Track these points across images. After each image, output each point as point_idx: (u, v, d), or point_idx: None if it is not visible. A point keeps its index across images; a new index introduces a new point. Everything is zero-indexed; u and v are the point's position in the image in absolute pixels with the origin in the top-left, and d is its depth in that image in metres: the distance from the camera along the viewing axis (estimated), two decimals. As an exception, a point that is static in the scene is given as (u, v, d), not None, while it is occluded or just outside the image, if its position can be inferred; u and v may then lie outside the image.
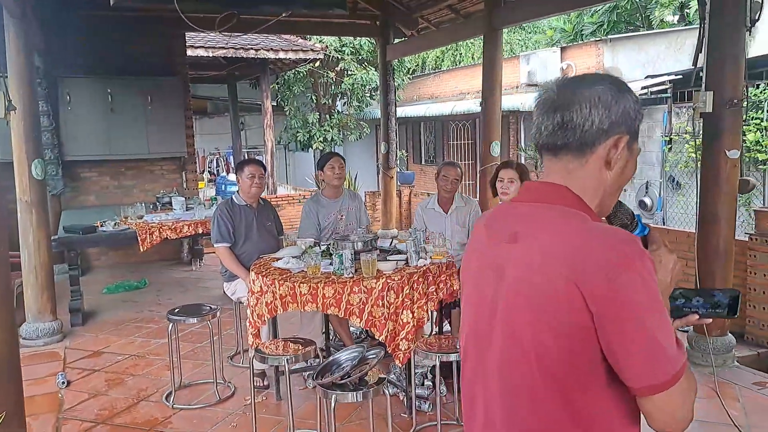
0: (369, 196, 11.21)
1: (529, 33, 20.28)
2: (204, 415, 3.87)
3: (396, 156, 9.69)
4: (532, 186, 1.25)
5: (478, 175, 12.07)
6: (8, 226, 2.84)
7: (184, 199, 6.87)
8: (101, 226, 5.96)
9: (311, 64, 13.14)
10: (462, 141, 15.42)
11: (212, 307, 4.19)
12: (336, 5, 5.59)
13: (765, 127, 8.51)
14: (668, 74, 9.05)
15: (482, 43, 7.09)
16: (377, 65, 14.22)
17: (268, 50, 10.95)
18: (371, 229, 5.07)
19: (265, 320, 3.76)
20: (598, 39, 12.33)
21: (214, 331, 4.12)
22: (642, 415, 1.14)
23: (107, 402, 4.09)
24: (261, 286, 3.70)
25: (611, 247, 1.06)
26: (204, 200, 7.37)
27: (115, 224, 5.98)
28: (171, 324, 4.02)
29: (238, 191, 4.65)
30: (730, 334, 4.47)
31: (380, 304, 3.42)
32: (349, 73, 14.71)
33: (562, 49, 12.56)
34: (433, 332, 4.63)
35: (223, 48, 10.46)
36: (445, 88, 16.38)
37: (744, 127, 7.18)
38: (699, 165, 4.41)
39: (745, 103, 5.10)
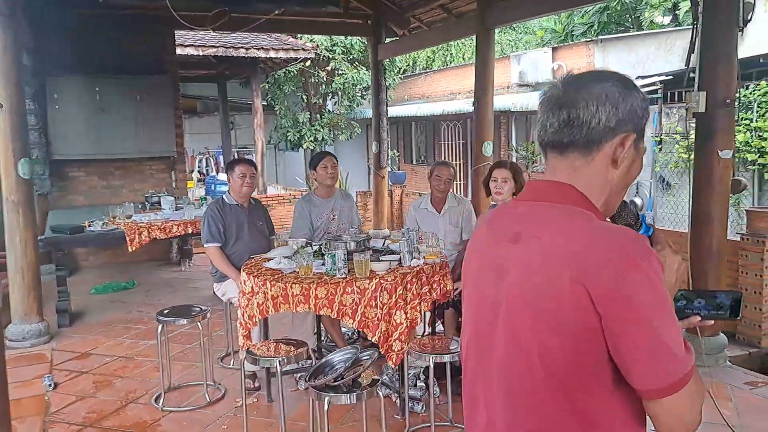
0: (360, 195, 11.17)
1: (520, 33, 20.33)
2: (194, 418, 3.81)
3: (387, 156, 9.66)
4: (536, 185, 1.22)
5: (469, 175, 12.09)
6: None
7: (173, 198, 6.79)
8: (89, 226, 5.88)
9: (302, 64, 13.09)
10: (453, 141, 15.42)
11: (202, 308, 4.14)
12: (329, 2, 5.55)
13: (754, 127, 8.56)
14: (658, 75, 9.08)
15: (474, 43, 7.08)
16: (368, 65, 14.23)
17: (258, 49, 10.89)
18: (362, 229, 5.03)
19: (256, 321, 3.71)
20: (589, 39, 12.37)
21: (204, 332, 4.06)
22: (648, 418, 1.11)
23: (95, 404, 4.02)
24: (252, 287, 3.65)
25: (618, 247, 1.04)
26: (193, 200, 7.31)
27: (103, 224, 5.91)
28: (160, 325, 3.97)
29: (229, 191, 4.60)
30: (722, 334, 4.48)
31: (373, 305, 3.39)
32: (340, 72, 14.67)
33: (554, 49, 12.58)
34: (426, 333, 4.60)
35: (213, 47, 10.39)
36: (436, 88, 16.38)
37: (734, 127, 7.19)
38: (690, 165, 4.42)
39: (737, 103, 5.10)
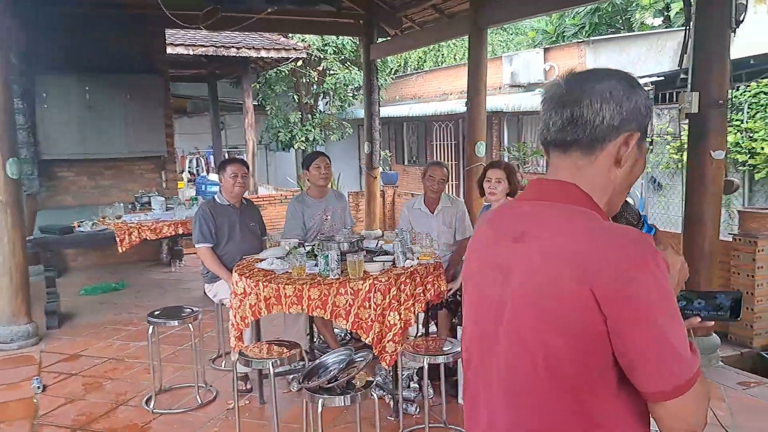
0: (352, 196, 11.14)
1: (511, 34, 20.36)
2: (185, 420, 3.77)
3: (379, 156, 9.64)
4: (538, 184, 1.20)
5: (461, 175, 12.09)
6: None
7: (163, 199, 6.74)
8: (78, 226, 5.82)
9: (293, 63, 13.04)
10: (445, 141, 15.41)
11: (193, 309, 4.09)
12: (324, 0, 5.51)
13: (745, 128, 8.60)
14: (649, 76, 9.11)
15: (466, 44, 7.08)
16: (360, 65, 14.20)
17: (249, 48, 10.84)
18: (354, 229, 5.00)
19: (248, 323, 3.67)
20: (580, 40, 12.41)
21: (195, 333, 4.02)
22: (652, 420, 1.10)
23: (85, 407, 3.97)
24: (244, 288, 3.61)
25: (624, 247, 1.02)
26: (184, 200, 7.25)
27: (92, 224, 5.85)
28: (151, 327, 3.92)
29: (220, 191, 4.56)
30: (714, 335, 4.49)
31: (367, 306, 3.36)
32: (332, 72, 14.63)
33: (545, 50, 12.61)
34: (419, 334, 4.58)
35: (203, 46, 10.32)
36: (428, 89, 16.37)
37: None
38: (681, 166, 4.43)
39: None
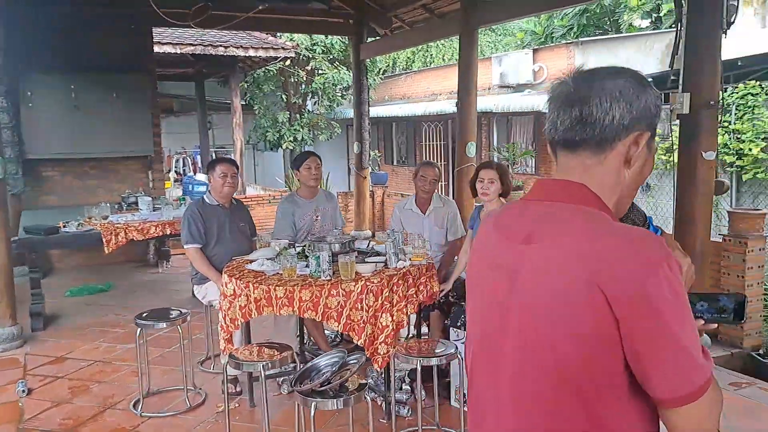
0: (341, 196, 11.09)
1: (499, 35, 20.40)
2: (174, 423, 3.71)
3: (369, 156, 9.60)
4: (546, 183, 1.17)
5: (451, 175, 12.08)
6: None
7: (150, 199, 6.66)
8: (64, 226, 5.73)
9: (281, 63, 12.97)
10: (435, 142, 15.41)
11: (182, 311, 4.03)
12: (316, -2, 5.47)
13: (733, 129, 8.66)
14: (638, 77, 9.13)
15: (454, 44, 7.07)
16: (348, 64, 14.15)
17: (237, 47, 10.76)
18: (344, 230, 4.96)
19: (238, 324, 3.62)
20: (569, 41, 12.44)
21: (183, 335, 3.96)
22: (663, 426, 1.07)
23: (71, 411, 3.90)
24: (234, 289, 3.56)
25: (637, 249, 0.99)
26: (172, 200, 7.16)
27: (79, 225, 5.76)
28: (139, 329, 3.86)
29: (209, 191, 4.50)
30: (705, 335, 4.49)
31: (359, 308, 3.33)
32: (320, 72, 14.57)
33: (534, 51, 12.62)
34: (411, 335, 4.55)
35: (191, 44, 10.23)
36: (417, 89, 16.35)
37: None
38: (670, 167, 4.44)
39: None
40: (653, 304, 0.97)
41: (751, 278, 4.88)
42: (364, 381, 2.87)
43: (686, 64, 4.28)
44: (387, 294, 3.40)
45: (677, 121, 4.43)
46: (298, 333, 4.63)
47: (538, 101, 10.84)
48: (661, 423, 1.07)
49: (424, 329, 4.45)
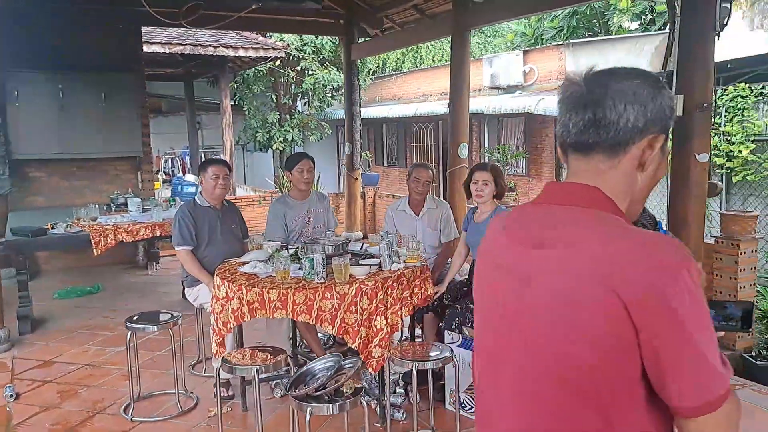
0: (332, 197, 11.06)
1: (489, 36, 20.42)
2: (166, 428, 3.66)
3: (360, 157, 9.57)
4: (558, 187, 1.14)
5: (441, 177, 12.06)
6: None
7: (140, 200, 6.59)
8: (52, 228, 5.65)
9: (271, 63, 12.90)
10: (425, 143, 15.39)
11: (173, 314, 3.97)
12: (310, -2, 5.42)
13: (723, 131, 8.71)
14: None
15: (443, 45, 7.07)
16: (339, 65, 14.09)
17: (227, 47, 10.69)
18: (336, 231, 4.92)
19: (230, 328, 3.57)
20: (560, 43, 12.46)
21: (175, 338, 3.91)
22: None
23: (60, 415, 3.83)
24: (227, 292, 3.52)
25: (657, 254, 0.97)
26: (161, 201, 7.09)
27: (67, 226, 5.69)
28: (129, 332, 3.80)
29: (201, 192, 4.45)
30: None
31: (353, 311, 3.29)
32: (311, 72, 14.50)
33: (525, 52, 12.64)
34: (404, 338, 4.52)
35: (180, 44, 10.15)
36: (407, 90, 16.33)
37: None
38: (667, 168, 4.44)
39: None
40: (673, 311, 0.94)
41: (744, 280, 4.90)
42: (359, 385, 2.84)
43: (679, 66, 4.28)
44: (381, 297, 3.37)
45: (670, 123, 4.42)
46: (291, 336, 4.59)
47: (529, 102, 10.85)
48: None
49: (417, 331, 4.42)
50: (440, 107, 12.41)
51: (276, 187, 12.76)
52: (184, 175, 14.23)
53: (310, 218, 4.57)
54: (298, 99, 15.52)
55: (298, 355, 4.43)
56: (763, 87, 8.54)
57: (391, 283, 3.45)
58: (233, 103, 13.53)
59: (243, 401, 3.86)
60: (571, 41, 12.30)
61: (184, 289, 5.02)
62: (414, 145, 15.82)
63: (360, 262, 3.71)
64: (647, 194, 1.14)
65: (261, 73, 14.15)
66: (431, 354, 3.29)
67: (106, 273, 7.54)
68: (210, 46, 10.43)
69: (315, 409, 2.64)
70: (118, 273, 7.69)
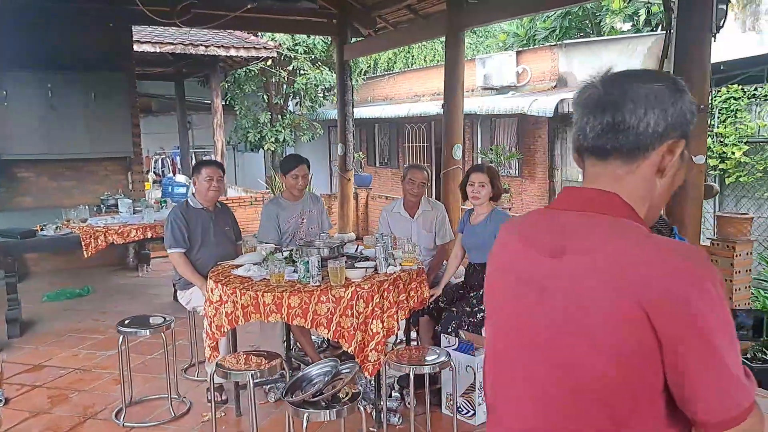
0: (324, 198, 10.98)
1: (481, 37, 20.41)
2: (158, 434, 3.61)
3: (353, 158, 9.52)
4: (575, 192, 1.10)
5: (434, 178, 12.02)
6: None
7: (131, 201, 6.51)
8: (41, 230, 5.57)
9: (263, 63, 12.83)
10: (418, 143, 15.35)
11: (166, 318, 3.90)
12: (306, -3, 5.37)
13: (716, 133, 8.73)
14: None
15: (437, 46, 7.05)
16: (330, 65, 14.03)
17: (218, 47, 10.60)
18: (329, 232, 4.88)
19: (224, 332, 3.52)
20: (553, 44, 12.47)
21: (167, 342, 3.84)
22: None
23: (50, 421, 3.76)
24: (220, 296, 3.46)
25: (680, 265, 0.94)
26: (152, 202, 7.01)
27: (56, 228, 5.60)
28: (121, 336, 3.73)
29: (193, 194, 4.39)
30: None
31: (349, 314, 3.25)
32: (302, 72, 14.43)
33: (518, 53, 12.63)
34: (399, 341, 4.48)
35: (170, 43, 10.05)
36: (400, 90, 16.29)
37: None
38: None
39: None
40: (699, 323, 0.91)
41: (739, 282, 4.90)
42: (356, 390, 2.80)
43: (676, 68, 4.27)
44: (378, 300, 3.33)
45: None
46: (285, 339, 4.54)
47: (522, 103, 10.84)
48: None
49: (413, 334, 4.38)
50: (433, 107, 12.36)
51: (267, 188, 12.67)
52: (174, 175, 14.12)
53: (303, 219, 4.52)
54: (290, 99, 15.45)
55: (292, 359, 4.38)
56: (755, 89, 8.57)
57: (388, 286, 3.41)
58: (224, 103, 13.43)
59: (237, 406, 3.80)
60: (564, 42, 12.31)
61: (175, 291, 4.95)
62: (406, 145, 15.78)
63: (355, 264, 3.67)
64: (666, 200, 1.11)
65: (252, 73, 14.07)
66: (428, 358, 3.25)
67: (96, 275, 7.45)
68: (201, 45, 10.34)
69: (312, 415, 2.60)
70: (108, 275, 7.60)
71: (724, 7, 4.31)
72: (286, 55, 13.75)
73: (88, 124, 7.38)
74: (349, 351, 3.31)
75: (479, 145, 12.93)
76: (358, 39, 9.08)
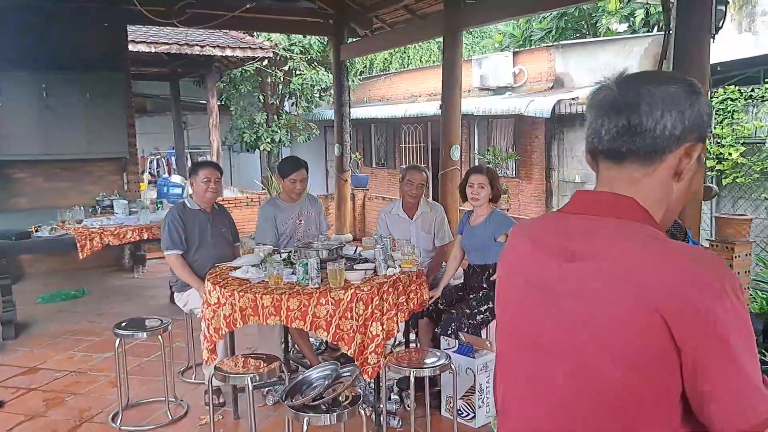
0: (321, 199, 10.94)
1: (477, 38, 20.40)
2: (155, 438, 3.57)
3: (350, 159, 9.48)
4: (589, 196, 1.07)
5: (431, 178, 11.99)
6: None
7: (126, 202, 6.46)
8: (36, 231, 5.52)
9: (259, 63, 12.78)
10: (414, 144, 15.32)
11: (163, 320, 3.87)
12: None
13: (713, 134, 8.72)
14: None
15: (433, 46, 7.03)
16: (327, 65, 13.99)
17: (214, 47, 10.56)
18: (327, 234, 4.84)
19: (222, 334, 3.49)
20: (549, 45, 12.46)
21: (164, 345, 3.80)
22: None
23: (46, 424, 3.72)
24: (218, 298, 3.43)
25: (699, 271, 0.92)
26: (148, 203, 6.96)
27: (51, 229, 5.56)
28: (118, 339, 3.69)
29: (191, 195, 4.36)
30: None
31: (348, 317, 3.22)
32: (298, 72, 14.39)
33: (515, 53, 12.62)
34: (398, 343, 4.46)
35: (166, 43, 10.01)
36: (396, 91, 16.26)
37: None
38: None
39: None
40: (719, 331, 0.89)
41: (737, 283, 4.88)
42: (357, 394, 2.77)
43: (675, 69, 4.25)
44: (377, 302, 3.31)
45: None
46: (283, 341, 4.51)
47: (519, 104, 10.83)
48: None
49: (412, 336, 4.35)
50: (429, 108, 12.33)
51: (263, 189, 12.62)
52: (169, 175, 14.06)
53: (301, 221, 4.49)
54: (286, 99, 15.41)
55: (291, 361, 4.35)
56: (752, 90, 8.57)
57: (387, 288, 3.39)
58: (220, 103, 13.39)
59: (235, 409, 3.77)
60: (561, 42, 12.30)
61: (172, 293, 4.92)
62: (403, 146, 15.75)
63: (354, 266, 3.65)
64: (683, 204, 1.09)
65: (248, 73, 14.03)
66: (428, 360, 3.23)
67: (91, 276, 7.40)
68: (197, 45, 10.30)
69: (312, 419, 2.57)
70: (103, 276, 7.54)
71: (723, 7, 4.30)
72: (282, 55, 13.71)
73: (83, 124, 7.33)
74: (348, 354, 3.28)
75: (476, 146, 12.91)
76: (355, 39, 9.05)
